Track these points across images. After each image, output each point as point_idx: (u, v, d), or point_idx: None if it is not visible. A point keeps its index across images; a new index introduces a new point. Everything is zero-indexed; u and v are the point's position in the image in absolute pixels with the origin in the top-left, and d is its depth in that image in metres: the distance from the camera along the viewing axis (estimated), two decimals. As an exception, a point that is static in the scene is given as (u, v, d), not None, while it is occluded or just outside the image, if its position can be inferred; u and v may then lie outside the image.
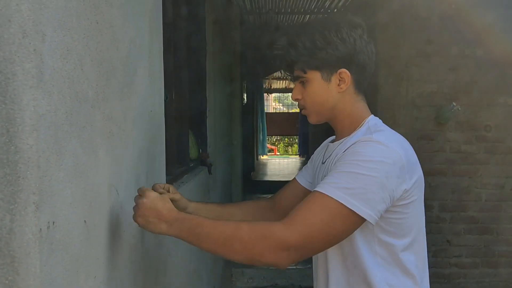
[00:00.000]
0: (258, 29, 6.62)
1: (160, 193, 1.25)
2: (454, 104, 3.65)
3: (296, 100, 1.23)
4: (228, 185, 5.39)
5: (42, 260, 0.68)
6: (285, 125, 13.40)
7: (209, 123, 3.52)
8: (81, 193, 0.88)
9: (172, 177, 2.19)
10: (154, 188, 1.28)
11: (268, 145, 14.44)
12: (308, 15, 6.25)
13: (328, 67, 1.16)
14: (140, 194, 1.11)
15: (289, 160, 13.41)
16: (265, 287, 4.24)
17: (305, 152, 11.66)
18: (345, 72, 1.16)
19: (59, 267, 0.77)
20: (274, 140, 17.57)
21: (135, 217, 1.09)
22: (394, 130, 1.18)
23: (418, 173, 1.13)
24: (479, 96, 3.73)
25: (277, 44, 6.89)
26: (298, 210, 1.05)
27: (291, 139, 17.35)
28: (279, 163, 12.50)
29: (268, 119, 12.65)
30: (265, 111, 12.76)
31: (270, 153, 15.11)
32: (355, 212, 1.02)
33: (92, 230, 0.95)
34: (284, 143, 18.10)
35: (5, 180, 0.57)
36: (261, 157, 12.86)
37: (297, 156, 13.56)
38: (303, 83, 1.19)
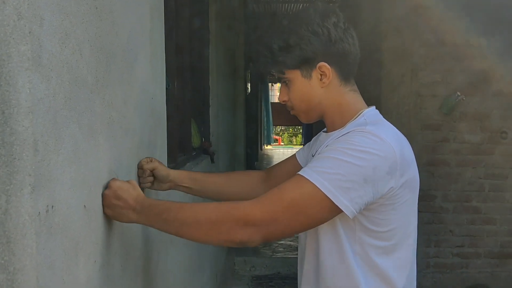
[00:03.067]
0: (263, 18, 6.59)
1: (144, 168, 1.28)
2: (459, 94, 3.63)
3: (283, 102, 1.20)
4: (231, 174, 5.39)
5: (40, 242, 0.69)
6: (289, 115, 13.17)
7: (212, 112, 3.52)
8: (81, 178, 0.89)
9: (174, 164, 2.19)
10: (139, 164, 1.30)
11: (273, 135, 14.42)
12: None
13: (305, 64, 1.12)
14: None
15: (293, 150, 13.40)
16: (267, 276, 4.27)
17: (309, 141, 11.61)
18: (324, 65, 1.11)
19: (58, 250, 0.78)
20: (279, 130, 17.58)
21: (104, 209, 1.05)
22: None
23: (411, 173, 1.08)
24: (483, 86, 3.70)
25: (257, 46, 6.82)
26: (273, 189, 1.05)
27: (295, 129, 17.36)
28: (283, 153, 12.51)
29: (273, 109, 12.62)
30: (270, 101, 12.72)
31: (274, 143, 15.12)
32: (330, 199, 0.99)
33: (92, 215, 0.96)
34: (288, 133, 18.11)
35: (0, 161, 0.58)
36: (265, 147, 12.86)
37: (302, 146, 13.54)
38: (286, 83, 1.16)
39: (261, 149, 11.67)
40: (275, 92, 16.18)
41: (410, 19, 3.70)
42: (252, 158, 7.82)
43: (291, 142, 17.05)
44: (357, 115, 1.14)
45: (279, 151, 13.18)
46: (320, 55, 1.11)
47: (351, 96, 1.16)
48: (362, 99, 1.19)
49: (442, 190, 3.76)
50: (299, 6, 6.37)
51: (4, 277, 0.60)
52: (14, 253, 0.60)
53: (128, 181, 1.10)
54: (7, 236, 0.59)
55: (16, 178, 0.60)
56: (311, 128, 11.05)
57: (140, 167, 1.30)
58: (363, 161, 1.00)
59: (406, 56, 3.75)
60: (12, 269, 0.60)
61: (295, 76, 1.14)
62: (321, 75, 1.13)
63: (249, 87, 8.26)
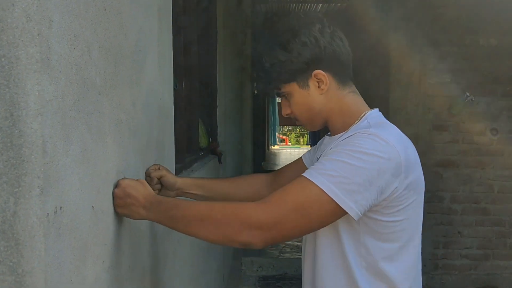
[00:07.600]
0: (269, 18, 6.58)
1: (152, 176, 1.29)
2: (468, 94, 3.61)
3: (287, 115, 1.21)
4: (238, 174, 5.41)
5: (48, 244, 0.69)
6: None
7: (219, 112, 3.52)
8: (89, 179, 0.89)
9: (182, 165, 2.20)
10: (147, 172, 1.31)
11: (280, 135, 14.42)
12: (321, 4, 6.19)
13: (300, 75, 1.13)
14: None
15: (300, 150, 13.41)
16: (274, 276, 4.26)
17: (316, 142, 11.63)
18: (319, 73, 1.12)
19: (67, 251, 0.78)
20: (286, 130, 17.57)
21: (115, 208, 1.07)
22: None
23: (416, 174, 1.07)
24: (493, 87, 3.68)
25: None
26: (277, 191, 1.05)
27: (302, 129, 17.33)
28: (290, 153, 12.50)
29: (279, 109, 12.61)
30: (277, 101, 12.73)
31: (281, 143, 15.11)
32: (335, 202, 0.99)
33: (100, 215, 0.96)
34: (295, 133, 18.10)
35: (9, 163, 0.58)
36: (272, 147, 12.86)
37: (309, 147, 13.57)
38: (286, 97, 1.17)
39: (268, 149, 11.67)
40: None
41: (420, 19, 3.68)
42: (259, 158, 7.81)
43: (298, 142, 17.04)
44: (360, 117, 1.14)
45: (286, 151, 13.17)
46: (312, 64, 1.12)
47: (351, 98, 1.17)
48: (362, 100, 1.19)
49: (450, 191, 3.74)
50: (307, 6, 6.36)
51: (13, 279, 0.60)
52: (22, 255, 0.60)
53: (137, 179, 1.11)
54: (15, 239, 0.59)
55: (25, 180, 0.61)
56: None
57: (148, 175, 1.31)
58: (367, 163, 0.99)
59: (414, 56, 3.73)
60: (21, 271, 0.60)
61: (293, 88, 1.15)
62: (318, 82, 1.14)
63: (256, 87, 8.24)
